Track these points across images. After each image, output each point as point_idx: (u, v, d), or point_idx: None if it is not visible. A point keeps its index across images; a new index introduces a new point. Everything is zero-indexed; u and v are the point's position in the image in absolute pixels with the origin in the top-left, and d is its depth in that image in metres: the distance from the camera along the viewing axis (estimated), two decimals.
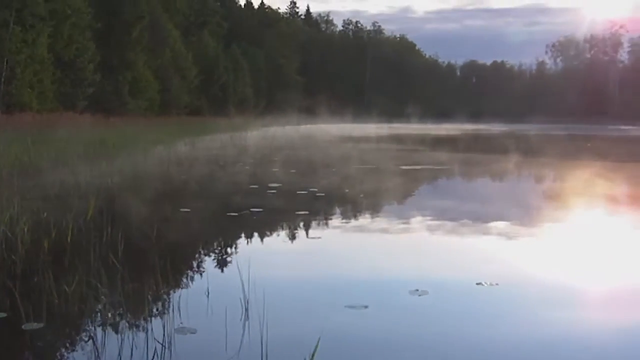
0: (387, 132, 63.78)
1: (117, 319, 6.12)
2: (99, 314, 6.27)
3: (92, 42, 47.20)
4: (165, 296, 6.80)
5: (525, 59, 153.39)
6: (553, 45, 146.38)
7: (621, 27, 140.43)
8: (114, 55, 52.31)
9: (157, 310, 6.39)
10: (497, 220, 12.17)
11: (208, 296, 6.70)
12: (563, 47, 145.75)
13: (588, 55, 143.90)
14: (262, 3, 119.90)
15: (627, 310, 6.67)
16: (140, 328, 5.81)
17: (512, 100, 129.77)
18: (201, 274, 8.00)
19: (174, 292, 7.02)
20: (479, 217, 12.53)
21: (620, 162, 28.06)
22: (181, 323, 5.86)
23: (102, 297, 6.52)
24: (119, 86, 52.47)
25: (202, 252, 9.60)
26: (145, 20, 55.66)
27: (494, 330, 6.05)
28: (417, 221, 12.11)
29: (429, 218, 12.48)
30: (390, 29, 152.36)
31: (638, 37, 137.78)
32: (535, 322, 6.22)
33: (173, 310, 6.15)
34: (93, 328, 5.87)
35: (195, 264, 8.77)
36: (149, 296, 6.47)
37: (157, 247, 9.02)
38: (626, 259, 9.15)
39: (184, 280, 7.82)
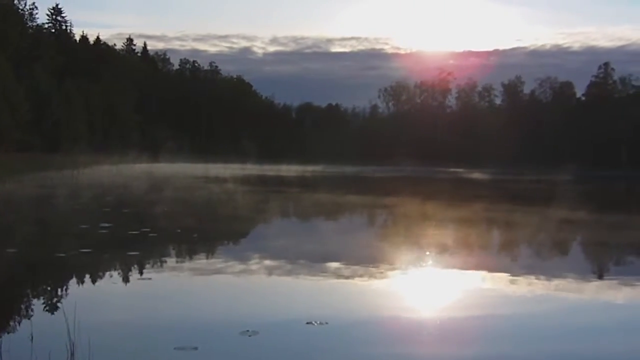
0: (224, 173, 63.68)
1: None
2: None
3: None
4: None
5: (359, 103, 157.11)
6: (385, 90, 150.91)
7: (449, 74, 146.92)
8: None
9: None
10: (332, 260, 12.29)
11: (32, 341, 6.48)
12: (395, 91, 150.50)
13: (418, 100, 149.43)
14: (97, 38, 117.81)
15: (453, 343, 6.97)
16: None
17: (346, 142, 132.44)
18: (26, 318, 7.72)
19: None
20: (316, 257, 12.57)
21: (446, 200, 29.27)
22: None
23: None
24: None
25: (26, 295, 9.27)
26: None
27: None
28: (252, 262, 12.10)
29: (265, 258, 12.49)
30: (229, 70, 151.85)
31: (464, 84, 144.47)
32: (362, 359, 6.40)
33: None
34: None
35: (19, 308, 8.46)
36: None
37: None
38: (448, 296, 9.57)
39: (7, 324, 7.52)
